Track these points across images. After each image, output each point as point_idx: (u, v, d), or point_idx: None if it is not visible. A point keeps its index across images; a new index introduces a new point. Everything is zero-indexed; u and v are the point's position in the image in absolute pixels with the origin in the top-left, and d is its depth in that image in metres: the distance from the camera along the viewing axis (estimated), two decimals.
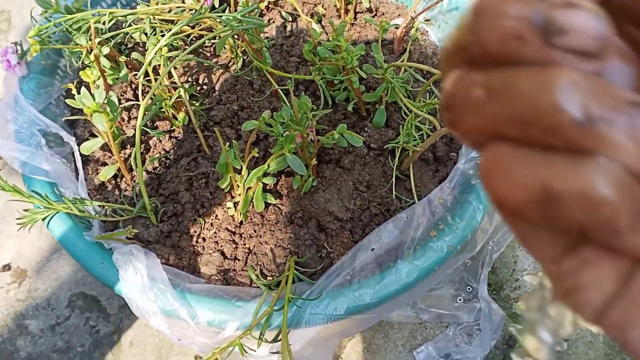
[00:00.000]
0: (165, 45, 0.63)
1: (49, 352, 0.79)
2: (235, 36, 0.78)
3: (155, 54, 0.59)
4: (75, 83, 0.62)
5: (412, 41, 0.86)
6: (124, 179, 0.73)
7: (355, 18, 0.88)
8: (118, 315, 0.82)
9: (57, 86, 0.76)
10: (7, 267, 0.86)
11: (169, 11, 0.71)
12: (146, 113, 0.61)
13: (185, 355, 0.79)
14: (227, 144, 0.63)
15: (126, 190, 0.72)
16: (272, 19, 0.88)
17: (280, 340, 0.55)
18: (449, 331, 0.84)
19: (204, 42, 0.84)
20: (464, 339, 0.81)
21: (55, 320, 0.82)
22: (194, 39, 0.82)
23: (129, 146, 0.75)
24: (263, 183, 0.65)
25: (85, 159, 0.73)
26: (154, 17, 0.71)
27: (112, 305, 0.83)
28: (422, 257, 0.61)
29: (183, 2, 0.78)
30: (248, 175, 0.63)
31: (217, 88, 0.80)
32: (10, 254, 0.88)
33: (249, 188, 0.65)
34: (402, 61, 0.80)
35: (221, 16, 0.59)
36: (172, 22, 0.78)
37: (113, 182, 0.72)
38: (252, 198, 0.66)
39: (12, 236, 0.90)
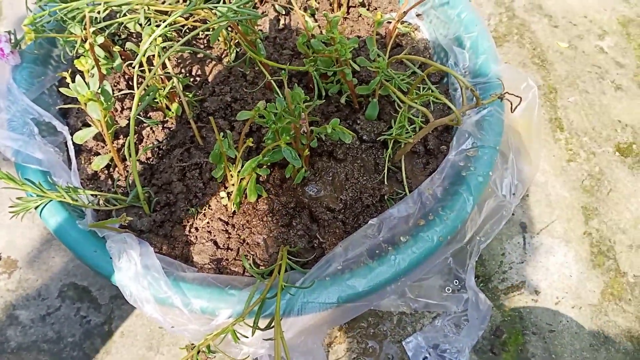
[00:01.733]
0: (159, 36, 0.64)
1: (39, 342, 0.79)
2: (229, 28, 0.79)
3: (150, 44, 0.60)
4: (69, 72, 0.62)
5: (403, 35, 0.87)
6: (116, 168, 0.73)
7: (348, 12, 0.89)
8: (109, 305, 0.82)
9: (50, 76, 0.76)
10: None
11: (163, 2, 0.71)
12: (140, 103, 0.61)
13: (176, 345, 0.80)
14: (221, 133, 0.64)
15: (119, 180, 0.72)
16: (265, 12, 0.89)
17: (273, 327, 0.55)
18: (437, 322, 0.85)
19: (198, 34, 0.85)
20: (452, 329, 0.82)
21: (46, 311, 0.82)
22: (187, 30, 0.82)
23: (122, 136, 0.75)
24: (256, 174, 0.66)
25: (78, 149, 0.73)
26: (148, 8, 0.71)
27: (103, 295, 0.83)
28: (412, 247, 0.62)
29: None
30: (242, 165, 0.64)
31: (210, 80, 0.80)
32: (1, 244, 0.88)
33: (242, 178, 0.66)
34: (394, 55, 0.81)
35: (216, 7, 0.60)
36: (166, 13, 0.78)
37: (106, 171, 0.72)
38: (245, 188, 0.67)
39: (2, 226, 0.90)
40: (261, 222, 0.69)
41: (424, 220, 0.66)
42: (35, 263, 0.86)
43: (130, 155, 0.70)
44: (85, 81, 0.61)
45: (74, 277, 0.84)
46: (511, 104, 0.63)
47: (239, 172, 0.63)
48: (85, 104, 0.63)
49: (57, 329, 0.80)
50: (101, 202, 0.68)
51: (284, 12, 0.88)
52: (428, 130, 0.66)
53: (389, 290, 0.64)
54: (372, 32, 0.75)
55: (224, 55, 0.83)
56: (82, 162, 0.72)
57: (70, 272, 0.85)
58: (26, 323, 0.81)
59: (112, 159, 0.71)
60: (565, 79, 1.12)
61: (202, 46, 0.85)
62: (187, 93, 0.75)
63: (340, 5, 0.88)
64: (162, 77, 0.71)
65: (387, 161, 0.72)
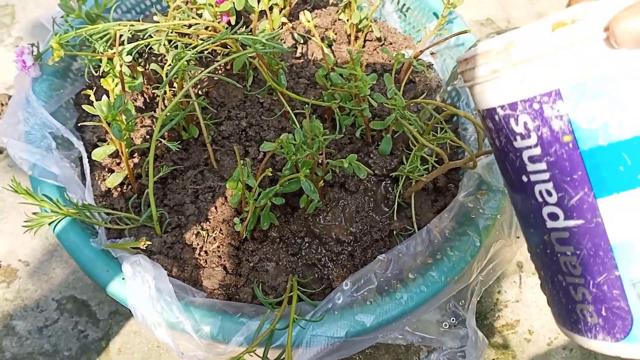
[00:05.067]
0: (186, 60, 0.65)
1: (35, 354, 0.78)
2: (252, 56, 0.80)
3: (177, 68, 0.61)
4: (94, 89, 0.62)
5: (417, 72, 0.89)
6: (129, 187, 0.73)
7: (364, 45, 0.91)
8: (108, 321, 0.82)
9: (69, 89, 0.76)
10: None
11: (189, 27, 0.72)
12: (163, 126, 0.62)
13: None
14: (242, 161, 0.64)
15: (131, 198, 0.72)
16: (283, 39, 0.90)
17: (283, 358, 0.56)
18: (433, 356, 0.86)
19: (214, 56, 0.86)
20: None
21: (44, 323, 0.81)
22: (208, 53, 0.83)
23: (136, 154, 0.75)
24: (272, 203, 0.67)
25: (92, 165, 0.74)
26: (172, 31, 0.72)
27: (102, 310, 0.83)
28: (421, 285, 0.64)
29: (199, 16, 0.80)
30: (258, 193, 0.64)
31: (226, 103, 0.81)
32: (1, 253, 0.87)
33: (257, 206, 0.66)
34: (413, 95, 0.83)
35: (247, 39, 0.61)
36: (187, 35, 0.79)
37: (119, 189, 0.73)
38: (259, 215, 0.67)
39: (3, 234, 0.89)
40: (271, 250, 0.70)
41: (431, 258, 0.67)
42: (35, 274, 0.85)
43: (147, 175, 0.70)
44: (109, 100, 0.62)
45: (73, 290, 0.84)
46: None
47: (255, 200, 0.64)
48: (108, 123, 0.63)
49: (54, 342, 0.80)
50: (113, 219, 0.68)
51: (301, 41, 0.90)
52: (442, 170, 0.68)
53: (395, 326, 0.65)
54: (391, 70, 0.77)
55: (241, 80, 0.84)
56: (96, 178, 0.72)
57: (70, 284, 0.84)
58: (23, 334, 0.80)
59: (126, 177, 0.72)
60: None
61: (220, 70, 0.86)
62: (204, 115, 0.75)
63: (357, 39, 0.90)
64: (183, 100, 0.71)
65: (397, 197, 0.74)
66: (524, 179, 0.39)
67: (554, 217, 0.38)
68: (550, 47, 0.34)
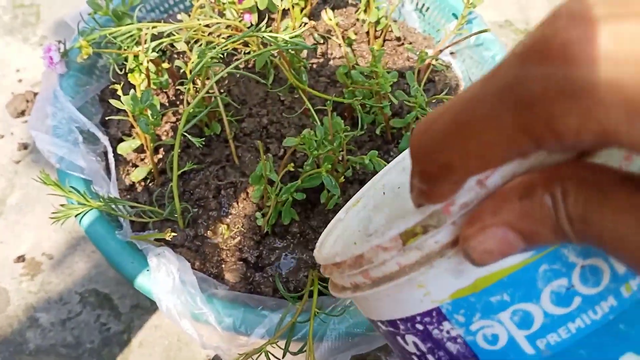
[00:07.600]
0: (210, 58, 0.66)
1: (58, 346, 0.80)
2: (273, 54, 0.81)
3: (202, 65, 0.62)
4: (122, 84, 0.64)
5: (436, 72, 0.90)
6: (153, 181, 0.74)
7: (383, 45, 0.91)
8: (129, 315, 0.83)
9: (94, 85, 0.78)
10: (21, 259, 0.87)
11: (207, 26, 0.74)
12: (188, 122, 0.63)
13: (193, 359, 0.80)
14: (264, 156, 0.65)
15: (154, 192, 0.73)
16: (304, 39, 0.91)
17: (305, 351, 0.57)
18: None
19: (235, 54, 0.87)
20: None
21: (67, 315, 0.83)
22: (229, 52, 0.84)
23: (160, 150, 0.76)
24: (293, 198, 0.67)
25: (116, 159, 0.75)
26: (194, 31, 0.73)
27: (124, 304, 0.84)
28: None
29: (223, 16, 0.81)
30: (280, 188, 0.65)
31: (247, 101, 0.82)
32: (26, 246, 0.88)
33: (278, 201, 0.67)
34: (434, 93, 0.83)
35: (270, 36, 0.62)
36: (210, 33, 0.81)
37: (142, 183, 0.74)
38: (280, 211, 0.68)
39: (29, 228, 0.91)
40: (292, 245, 0.71)
41: None
42: (58, 267, 0.87)
43: (171, 170, 0.72)
44: (136, 95, 0.63)
45: (95, 283, 0.85)
46: None
47: (277, 194, 0.65)
48: (134, 117, 0.64)
49: (77, 334, 0.81)
50: (137, 213, 0.69)
51: (321, 41, 0.90)
52: None
53: None
54: (415, 69, 0.78)
55: (261, 78, 0.85)
56: (120, 172, 0.74)
57: (93, 278, 0.86)
58: (46, 326, 0.81)
59: (150, 171, 0.73)
60: None
61: (241, 67, 0.87)
62: (226, 112, 0.76)
63: (376, 38, 0.90)
64: (206, 96, 0.72)
65: None
66: None
67: None
68: (408, 262, 0.25)
